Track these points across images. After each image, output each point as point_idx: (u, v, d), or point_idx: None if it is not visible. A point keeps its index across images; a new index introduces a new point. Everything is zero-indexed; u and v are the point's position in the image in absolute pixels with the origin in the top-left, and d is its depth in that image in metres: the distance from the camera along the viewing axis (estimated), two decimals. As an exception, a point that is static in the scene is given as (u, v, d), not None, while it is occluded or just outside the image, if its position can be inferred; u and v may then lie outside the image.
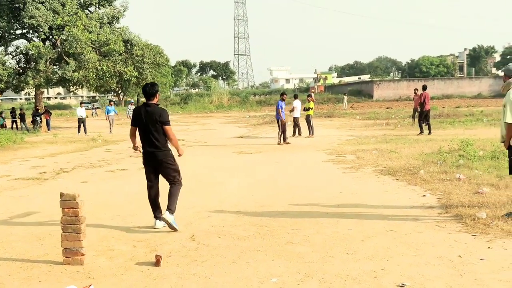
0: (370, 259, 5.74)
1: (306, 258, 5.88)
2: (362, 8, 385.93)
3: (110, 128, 30.71)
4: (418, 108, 23.31)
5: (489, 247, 5.99)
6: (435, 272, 5.25)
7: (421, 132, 21.56)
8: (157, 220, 7.55)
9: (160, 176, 7.61)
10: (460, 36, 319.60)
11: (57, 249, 6.43)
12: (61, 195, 5.94)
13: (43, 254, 6.43)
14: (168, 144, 7.43)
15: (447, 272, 5.24)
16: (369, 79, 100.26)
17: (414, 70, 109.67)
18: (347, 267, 5.50)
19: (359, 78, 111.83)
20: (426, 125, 21.67)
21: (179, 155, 7.70)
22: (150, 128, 7.22)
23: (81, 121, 30.21)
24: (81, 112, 30.55)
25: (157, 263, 5.78)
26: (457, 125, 25.51)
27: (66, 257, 5.95)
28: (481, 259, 5.59)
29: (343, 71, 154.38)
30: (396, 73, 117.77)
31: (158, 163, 7.40)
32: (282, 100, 21.07)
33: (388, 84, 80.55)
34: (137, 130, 7.47)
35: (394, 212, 8.01)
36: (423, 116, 21.86)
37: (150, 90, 7.35)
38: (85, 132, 29.68)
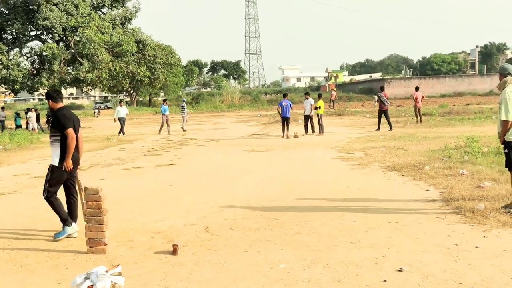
0: (372, 247, 6.17)
1: (312, 246, 6.32)
2: (373, 6, 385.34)
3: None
4: (418, 105, 26.88)
5: (484, 236, 6.40)
6: (432, 258, 5.68)
7: (378, 129, 23.83)
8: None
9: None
10: (472, 33, 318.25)
11: (80, 240, 6.94)
12: (85, 189, 6.43)
13: (67, 245, 6.92)
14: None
15: (443, 258, 5.67)
16: (380, 77, 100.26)
17: (425, 68, 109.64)
18: (350, 255, 5.94)
19: (370, 76, 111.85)
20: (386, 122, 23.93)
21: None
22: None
23: (122, 121, 28.56)
24: (122, 111, 28.95)
25: (174, 251, 6.24)
26: (466, 122, 25.75)
27: (90, 246, 6.44)
28: (476, 247, 6.00)
29: (354, 69, 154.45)
30: (408, 71, 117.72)
31: None
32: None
33: (399, 82, 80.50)
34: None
35: (397, 205, 8.42)
36: (381, 114, 24.12)
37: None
38: (123, 133, 28.29)
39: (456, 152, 13.57)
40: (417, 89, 27.81)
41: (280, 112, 23.55)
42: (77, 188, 7.45)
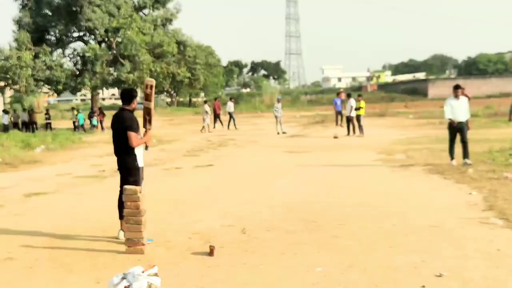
0: (411, 252, 6.05)
1: (350, 250, 6.24)
2: (417, 4, 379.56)
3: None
4: None
5: (529, 242, 6.20)
6: (472, 264, 5.53)
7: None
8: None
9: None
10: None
11: (119, 240, 7.01)
12: (125, 189, 6.49)
13: (106, 244, 7.00)
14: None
15: (484, 264, 5.52)
16: (424, 78, 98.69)
17: (471, 68, 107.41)
18: (389, 259, 5.84)
19: (414, 76, 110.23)
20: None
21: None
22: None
23: (231, 115, 31.82)
24: (231, 107, 32.45)
25: (211, 253, 6.24)
26: (512, 124, 25.15)
27: (128, 246, 6.51)
28: (519, 253, 5.82)
29: (397, 69, 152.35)
30: (452, 71, 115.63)
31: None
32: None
33: (443, 83, 78.99)
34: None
35: (439, 209, 8.25)
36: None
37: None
38: (234, 126, 31.44)
39: (501, 155, 13.26)
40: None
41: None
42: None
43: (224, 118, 33.51)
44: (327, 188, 10.54)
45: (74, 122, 37.92)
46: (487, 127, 22.18)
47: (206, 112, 30.10)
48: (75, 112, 39.48)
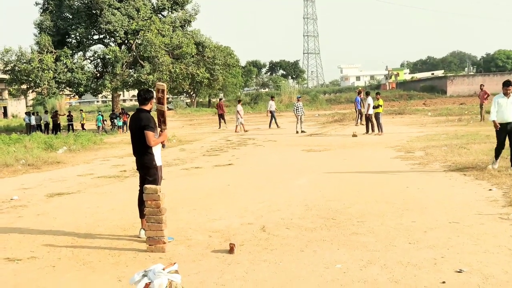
0: (431, 248, 6.05)
1: (369, 247, 6.26)
2: (435, 2, 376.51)
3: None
4: (484, 102, 27.17)
5: (550, 238, 6.16)
6: (493, 260, 5.52)
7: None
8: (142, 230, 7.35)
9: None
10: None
11: (140, 238, 7.12)
12: (145, 188, 6.59)
13: (128, 243, 7.11)
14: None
15: (504, 260, 5.51)
16: (443, 75, 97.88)
17: (489, 65, 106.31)
18: (408, 255, 5.85)
19: (432, 74, 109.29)
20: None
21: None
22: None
23: (272, 114, 31.73)
24: (272, 105, 32.21)
25: (231, 250, 6.31)
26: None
27: (149, 245, 6.60)
28: (540, 249, 5.79)
29: (415, 67, 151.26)
30: (471, 68, 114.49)
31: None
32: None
33: (462, 80, 78.54)
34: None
35: (458, 205, 8.22)
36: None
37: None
38: (276, 125, 31.40)
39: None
40: (481, 87, 28.99)
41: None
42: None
43: (260, 118, 33.61)
44: (346, 186, 10.54)
45: (82, 125, 38.49)
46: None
47: (238, 111, 30.31)
48: (84, 115, 40.18)
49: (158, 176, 7.21)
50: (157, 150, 7.22)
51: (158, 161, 7.22)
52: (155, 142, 7.08)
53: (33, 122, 38.04)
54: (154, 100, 7.38)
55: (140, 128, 7.04)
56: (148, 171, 7.17)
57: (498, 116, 11.06)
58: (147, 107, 7.27)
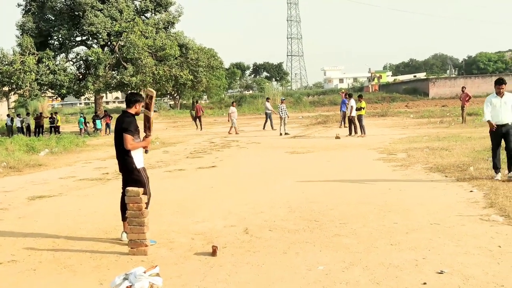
0: (412, 250, 6.10)
1: (351, 248, 6.29)
2: (417, 5, 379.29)
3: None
4: (466, 105, 27.85)
5: (529, 239, 6.23)
6: (473, 261, 5.58)
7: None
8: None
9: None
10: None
11: (122, 241, 7.08)
12: (127, 191, 6.55)
13: (110, 246, 7.06)
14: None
15: (485, 261, 5.56)
16: (425, 77, 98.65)
17: (471, 67, 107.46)
18: (390, 257, 5.88)
19: (415, 76, 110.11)
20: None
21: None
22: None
23: (268, 116, 31.40)
24: (269, 107, 31.72)
25: (213, 253, 6.30)
26: None
27: (131, 248, 6.56)
28: (520, 250, 5.85)
29: (398, 69, 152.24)
30: (453, 70, 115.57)
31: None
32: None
33: (444, 82, 79.09)
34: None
35: (440, 206, 8.29)
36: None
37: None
38: (271, 127, 30.92)
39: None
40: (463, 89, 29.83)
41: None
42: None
43: (244, 120, 33.60)
44: (329, 188, 10.58)
45: (58, 127, 38.49)
46: (488, 126, 22.06)
47: (230, 114, 30.38)
48: (58, 117, 40.19)
49: (142, 177, 7.16)
50: (137, 154, 7.15)
51: (139, 163, 7.16)
52: (132, 146, 6.98)
53: (18, 124, 37.89)
54: (142, 104, 7.33)
55: (119, 131, 7.03)
56: (129, 174, 7.12)
57: (492, 118, 10.39)
58: (131, 110, 7.21)
